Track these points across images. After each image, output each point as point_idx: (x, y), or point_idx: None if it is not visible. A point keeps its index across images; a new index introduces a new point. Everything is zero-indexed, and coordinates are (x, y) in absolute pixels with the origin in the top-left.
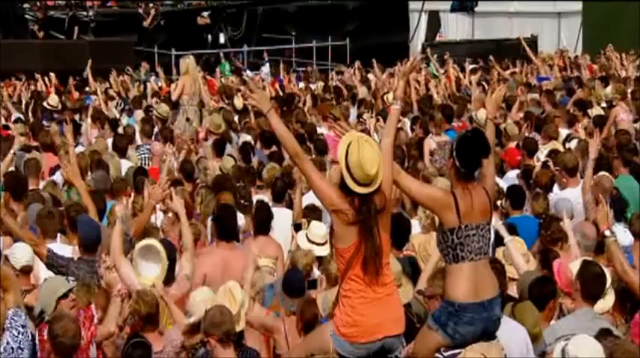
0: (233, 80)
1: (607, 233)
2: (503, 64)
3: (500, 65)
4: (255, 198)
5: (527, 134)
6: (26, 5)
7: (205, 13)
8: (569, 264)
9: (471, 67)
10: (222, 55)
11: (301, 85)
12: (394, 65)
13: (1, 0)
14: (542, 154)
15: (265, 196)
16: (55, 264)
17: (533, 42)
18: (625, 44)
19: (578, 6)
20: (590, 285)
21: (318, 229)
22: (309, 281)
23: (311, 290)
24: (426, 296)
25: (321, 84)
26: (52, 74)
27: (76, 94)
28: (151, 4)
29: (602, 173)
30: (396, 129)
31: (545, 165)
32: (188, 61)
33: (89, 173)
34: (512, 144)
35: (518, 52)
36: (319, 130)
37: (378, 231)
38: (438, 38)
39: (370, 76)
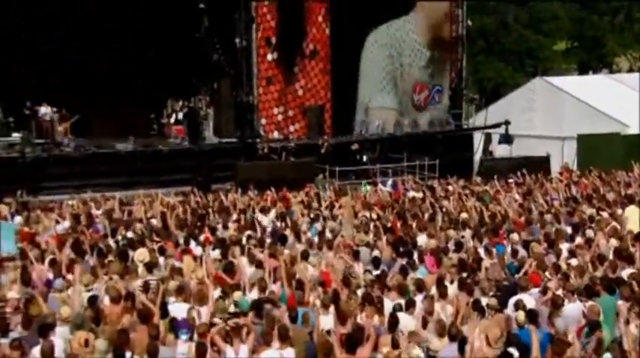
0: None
1: None
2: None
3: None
4: None
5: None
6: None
7: (356, 145)
8: None
9: (512, 180)
10: (369, 168)
11: (411, 193)
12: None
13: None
14: None
15: None
16: None
17: (546, 159)
18: (610, 165)
19: (575, 133)
20: None
21: None
22: None
23: None
24: None
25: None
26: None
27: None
28: (325, 137)
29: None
30: None
31: None
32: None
33: None
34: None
35: (540, 166)
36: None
37: None
38: (488, 155)
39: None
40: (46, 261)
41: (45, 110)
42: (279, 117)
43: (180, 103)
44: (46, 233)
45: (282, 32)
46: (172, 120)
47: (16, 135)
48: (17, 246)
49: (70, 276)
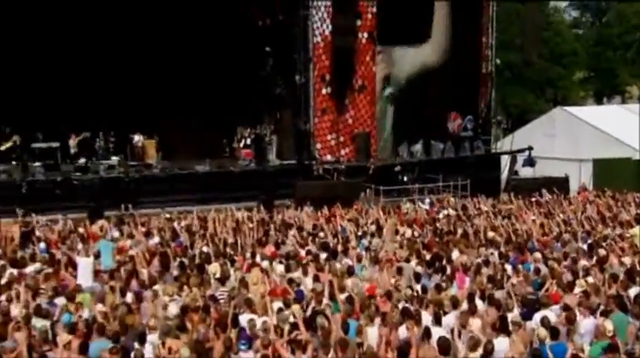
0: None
1: None
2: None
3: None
4: None
5: None
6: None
7: (399, 167)
8: None
9: (535, 199)
10: (409, 187)
11: (445, 211)
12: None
13: None
14: None
15: None
16: None
17: (566, 179)
18: (622, 186)
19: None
20: None
21: None
22: None
23: None
24: None
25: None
26: None
27: None
28: (372, 160)
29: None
30: None
31: None
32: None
33: None
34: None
35: (560, 185)
36: None
37: None
38: (514, 175)
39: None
40: (139, 273)
41: (137, 138)
42: (332, 143)
43: (249, 130)
44: (138, 246)
45: (335, 70)
46: (242, 144)
47: (114, 158)
48: (114, 260)
49: (157, 287)
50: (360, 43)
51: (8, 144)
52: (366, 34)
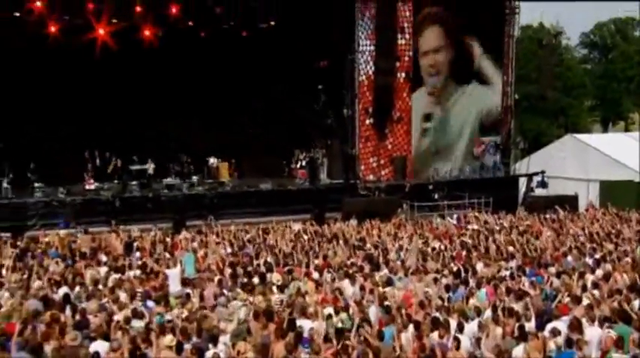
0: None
1: None
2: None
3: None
4: None
5: None
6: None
7: (431, 186)
8: None
9: (548, 216)
10: (439, 204)
11: (471, 226)
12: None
13: None
14: None
15: None
16: None
17: (575, 198)
18: (625, 205)
19: (598, 178)
20: None
21: None
22: None
23: None
24: None
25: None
26: None
27: None
28: (408, 179)
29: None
30: None
31: None
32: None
33: None
34: None
35: (570, 203)
36: None
37: None
38: (530, 193)
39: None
40: (214, 280)
41: (213, 160)
42: (374, 165)
43: (304, 154)
44: (214, 256)
45: (376, 104)
46: (298, 166)
47: (194, 178)
48: (195, 269)
49: (229, 293)
50: (398, 81)
51: (111, 166)
52: (403, 74)
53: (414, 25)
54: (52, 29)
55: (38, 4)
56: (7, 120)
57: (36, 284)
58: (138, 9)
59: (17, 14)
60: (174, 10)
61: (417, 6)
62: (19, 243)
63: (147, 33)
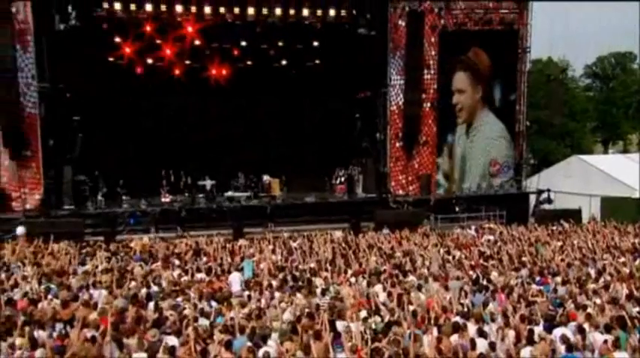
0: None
1: None
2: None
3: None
4: None
5: None
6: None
7: (453, 200)
8: None
9: (554, 228)
10: (460, 216)
11: (486, 237)
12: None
13: None
14: None
15: None
16: None
17: (579, 211)
18: (624, 220)
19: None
20: None
21: None
22: None
23: None
24: None
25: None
26: None
27: None
28: (432, 194)
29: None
30: None
31: None
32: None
33: None
34: None
35: (574, 216)
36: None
37: None
38: (539, 206)
39: (515, 233)
40: (268, 283)
41: (266, 177)
42: (403, 181)
43: (343, 171)
44: (267, 261)
45: (405, 130)
46: (338, 182)
47: (251, 192)
48: (253, 272)
49: (278, 295)
50: (424, 110)
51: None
52: (429, 104)
53: (439, 64)
54: (138, 70)
55: (127, 50)
56: (101, 146)
57: (132, 284)
58: (207, 52)
59: (111, 59)
60: (235, 52)
61: (443, 47)
62: (110, 247)
63: (213, 72)
